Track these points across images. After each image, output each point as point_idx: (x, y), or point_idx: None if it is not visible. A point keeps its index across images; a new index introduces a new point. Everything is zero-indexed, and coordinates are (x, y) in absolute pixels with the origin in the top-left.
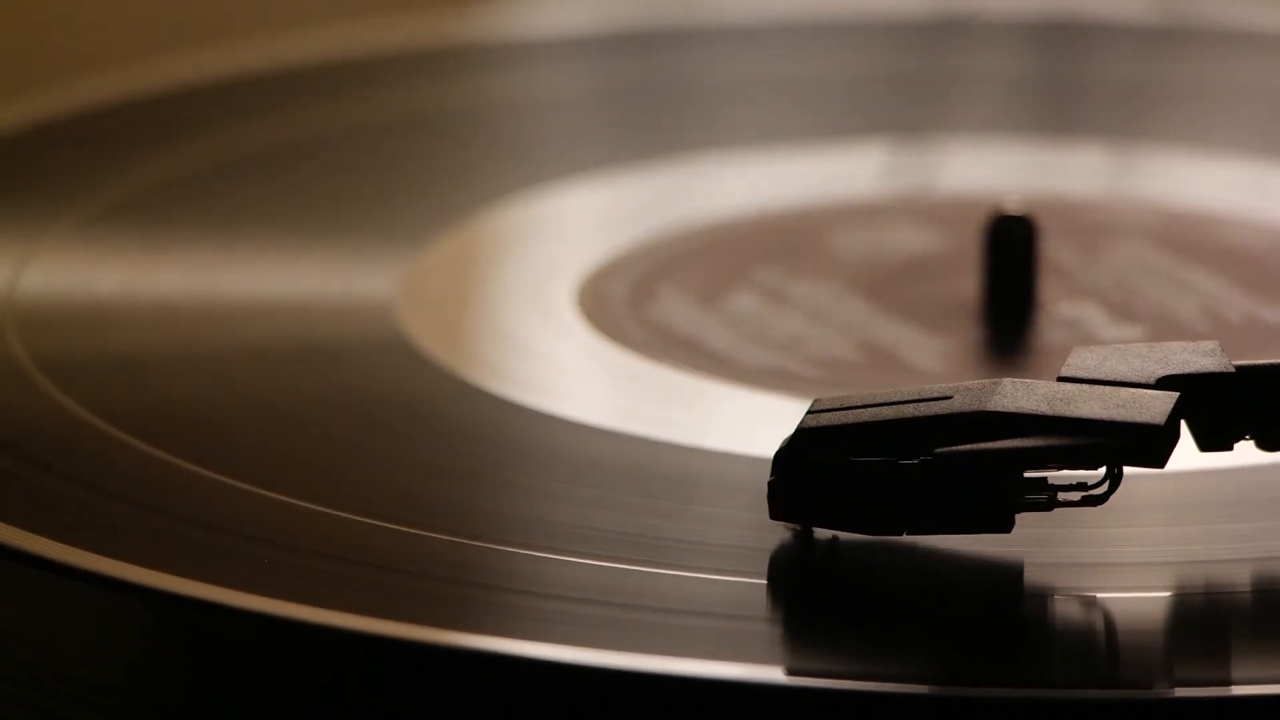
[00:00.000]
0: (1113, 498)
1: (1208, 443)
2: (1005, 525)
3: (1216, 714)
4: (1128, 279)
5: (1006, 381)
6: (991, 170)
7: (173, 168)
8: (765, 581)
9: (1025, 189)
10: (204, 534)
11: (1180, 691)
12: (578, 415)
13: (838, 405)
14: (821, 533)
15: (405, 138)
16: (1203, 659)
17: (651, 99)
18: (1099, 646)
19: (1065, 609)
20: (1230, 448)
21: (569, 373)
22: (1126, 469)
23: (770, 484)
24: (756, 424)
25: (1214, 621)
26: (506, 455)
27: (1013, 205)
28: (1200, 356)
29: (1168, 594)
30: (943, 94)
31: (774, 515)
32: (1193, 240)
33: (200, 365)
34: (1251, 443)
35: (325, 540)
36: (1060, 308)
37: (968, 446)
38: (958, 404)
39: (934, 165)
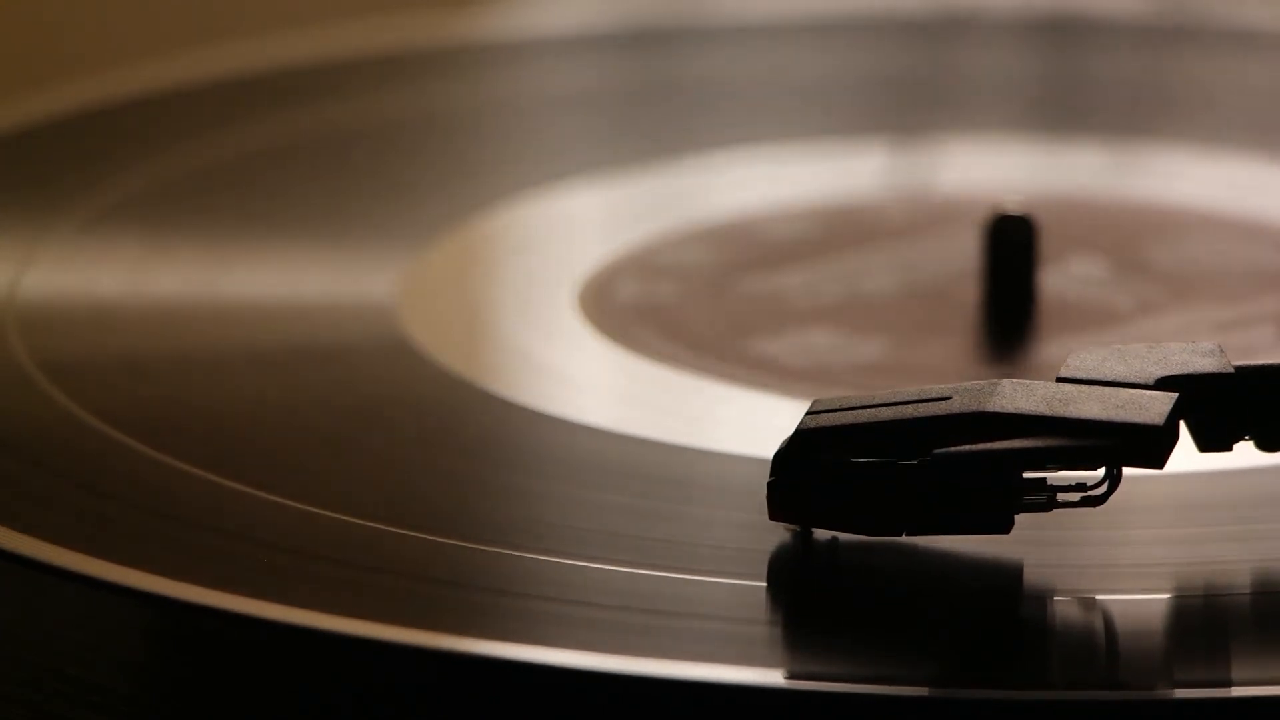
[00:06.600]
0: (1112, 498)
1: (1207, 443)
2: (1004, 526)
3: (1216, 715)
4: (1128, 279)
5: (1005, 382)
6: (991, 170)
7: (173, 168)
8: (765, 583)
9: (1025, 189)
10: (203, 536)
11: (1180, 693)
12: (578, 416)
13: (837, 406)
14: (821, 533)
15: (405, 138)
16: (1203, 660)
17: (651, 99)
18: (1099, 648)
19: (1065, 610)
20: (1229, 448)
21: (570, 373)
22: (1126, 470)
23: (770, 485)
24: (756, 424)
25: (1214, 623)
26: (507, 456)
27: (1013, 205)
28: (1200, 357)
29: (1167, 595)
30: (943, 94)
31: (773, 516)
32: (1192, 240)
33: (200, 366)
34: (1251, 443)
35: (324, 543)
36: (1060, 308)
37: (967, 447)
38: (957, 404)
39: (934, 165)
